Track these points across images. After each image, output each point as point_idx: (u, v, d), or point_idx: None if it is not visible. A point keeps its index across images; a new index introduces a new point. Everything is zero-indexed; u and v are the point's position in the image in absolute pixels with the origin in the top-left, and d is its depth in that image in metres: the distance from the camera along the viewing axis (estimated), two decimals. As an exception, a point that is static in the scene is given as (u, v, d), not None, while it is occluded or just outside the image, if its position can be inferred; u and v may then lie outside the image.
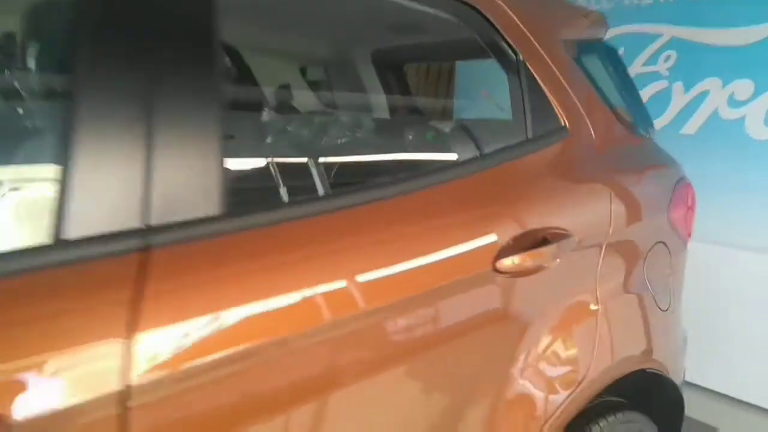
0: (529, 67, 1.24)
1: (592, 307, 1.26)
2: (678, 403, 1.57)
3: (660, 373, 1.46)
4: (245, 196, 0.91)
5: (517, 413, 1.15)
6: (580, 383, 1.22)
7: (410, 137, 1.65)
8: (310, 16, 1.61)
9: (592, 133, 1.33)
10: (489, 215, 1.08)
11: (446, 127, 1.57)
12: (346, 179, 1.34)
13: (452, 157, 1.35)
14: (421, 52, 1.65)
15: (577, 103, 1.31)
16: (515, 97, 1.25)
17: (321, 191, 1.12)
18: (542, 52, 1.27)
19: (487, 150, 1.26)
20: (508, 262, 1.07)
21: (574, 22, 1.44)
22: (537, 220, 1.14)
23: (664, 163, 1.56)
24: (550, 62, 1.28)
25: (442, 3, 1.18)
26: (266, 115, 1.57)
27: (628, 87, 1.59)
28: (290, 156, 1.31)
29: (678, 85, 3.03)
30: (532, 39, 1.26)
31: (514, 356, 1.12)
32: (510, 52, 1.24)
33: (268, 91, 1.85)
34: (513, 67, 1.24)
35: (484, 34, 1.24)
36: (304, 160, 1.30)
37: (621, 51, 3.22)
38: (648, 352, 1.42)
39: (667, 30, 3.09)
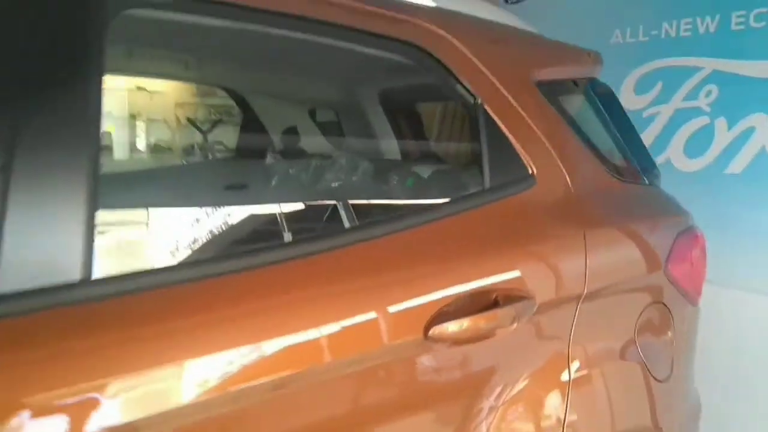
0: (489, 111, 1.14)
1: (563, 378, 1.12)
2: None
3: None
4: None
5: None
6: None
7: (394, 182, 1.56)
8: (263, 67, 1.57)
9: (568, 181, 1.20)
10: (424, 275, 0.98)
11: (426, 172, 1.47)
12: (306, 228, 1.26)
13: (416, 205, 1.24)
14: (395, 97, 1.57)
15: (550, 149, 1.19)
16: (474, 144, 1.14)
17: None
18: (507, 94, 1.17)
19: (438, 200, 1.16)
20: (446, 329, 0.95)
21: (553, 62, 1.33)
22: (486, 279, 1.02)
23: (663, 212, 1.40)
24: (516, 106, 1.17)
25: (389, 46, 1.11)
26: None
27: (625, 130, 1.45)
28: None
29: (721, 121, 2.82)
30: (495, 81, 1.16)
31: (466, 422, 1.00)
32: (467, 95, 1.14)
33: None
34: (472, 112, 1.15)
35: (438, 76, 1.15)
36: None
37: (659, 85, 3.06)
38: (638, 429, 1.25)
39: (707, 63, 2.90)
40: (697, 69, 2.91)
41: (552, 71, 1.31)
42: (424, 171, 1.38)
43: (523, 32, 1.36)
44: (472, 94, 1.14)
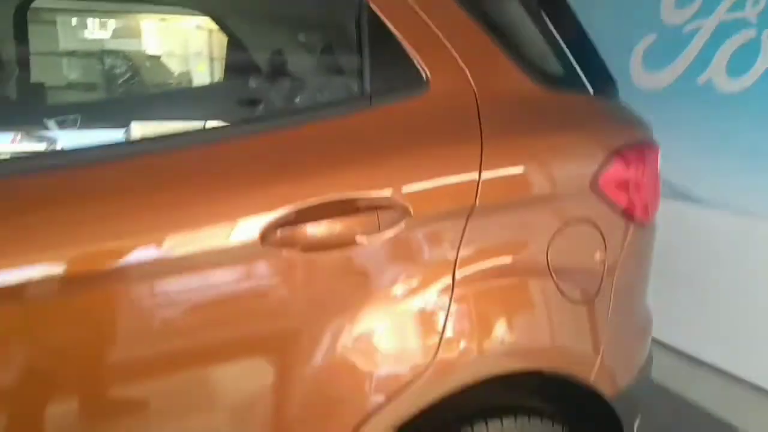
0: (374, 7, 1.06)
1: (445, 293, 1.07)
2: (610, 415, 1.30)
3: (568, 376, 1.22)
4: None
5: (318, 414, 1.02)
6: (412, 381, 1.05)
7: (267, 83, 1.43)
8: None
9: (473, 86, 1.12)
10: (277, 179, 0.95)
11: (301, 73, 1.36)
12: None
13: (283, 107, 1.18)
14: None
15: (453, 52, 1.11)
16: (356, 44, 1.08)
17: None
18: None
19: (311, 104, 1.11)
20: (294, 232, 0.94)
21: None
22: (349, 187, 0.99)
23: (601, 123, 1.27)
24: (410, 1, 1.09)
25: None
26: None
27: (569, 33, 1.31)
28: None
29: (768, 34, 2.51)
30: None
31: (314, 346, 0.99)
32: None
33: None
34: (353, 7, 1.07)
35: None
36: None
37: (702, -6, 2.76)
38: (542, 350, 1.19)
39: (756, -35, 2.56)
40: (745, -27, 2.58)
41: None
42: (298, 72, 1.32)
43: None
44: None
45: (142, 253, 0.86)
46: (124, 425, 0.91)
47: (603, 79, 1.35)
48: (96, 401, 0.88)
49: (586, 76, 1.31)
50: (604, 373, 1.26)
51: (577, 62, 1.31)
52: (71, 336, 0.85)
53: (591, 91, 1.32)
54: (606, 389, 1.27)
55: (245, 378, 0.97)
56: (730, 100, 2.65)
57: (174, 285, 0.89)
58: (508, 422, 1.18)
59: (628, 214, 1.28)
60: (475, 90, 1.12)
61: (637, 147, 1.28)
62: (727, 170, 2.66)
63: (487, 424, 1.17)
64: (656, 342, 2.88)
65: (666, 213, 2.93)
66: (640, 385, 1.40)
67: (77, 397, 0.87)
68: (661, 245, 2.99)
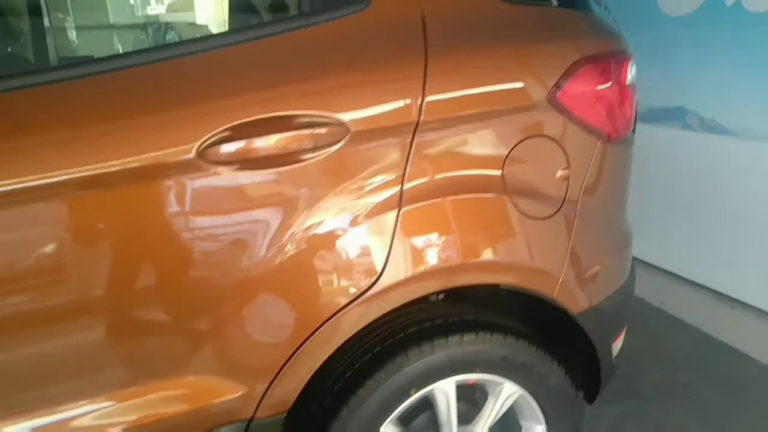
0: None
1: (389, 210, 1.09)
2: (578, 330, 1.31)
3: (529, 291, 1.23)
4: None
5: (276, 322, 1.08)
6: (364, 292, 1.09)
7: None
8: None
9: (419, 1, 1.11)
10: (212, 96, 0.98)
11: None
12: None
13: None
14: None
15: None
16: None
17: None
18: None
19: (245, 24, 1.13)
20: (228, 149, 0.98)
21: None
22: (282, 105, 1.01)
23: (562, 35, 1.23)
24: None
25: None
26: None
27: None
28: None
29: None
30: None
31: (259, 260, 1.04)
32: None
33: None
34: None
35: None
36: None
37: None
38: (494, 264, 1.19)
39: None
40: None
41: None
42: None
43: None
44: None
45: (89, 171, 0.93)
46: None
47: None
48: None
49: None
50: (569, 289, 1.26)
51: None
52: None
53: (554, 2, 1.27)
54: (571, 306, 1.28)
55: (202, 285, 1.04)
56: (760, 22, 2.49)
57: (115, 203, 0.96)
58: (469, 337, 1.21)
59: (595, 130, 1.25)
60: (421, 4, 1.11)
61: (602, 59, 1.24)
62: (759, 99, 2.53)
63: (447, 338, 1.20)
64: (682, 278, 2.83)
65: (699, 146, 2.82)
66: (616, 304, 1.39)
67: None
68: (692, 179, 2.89)
